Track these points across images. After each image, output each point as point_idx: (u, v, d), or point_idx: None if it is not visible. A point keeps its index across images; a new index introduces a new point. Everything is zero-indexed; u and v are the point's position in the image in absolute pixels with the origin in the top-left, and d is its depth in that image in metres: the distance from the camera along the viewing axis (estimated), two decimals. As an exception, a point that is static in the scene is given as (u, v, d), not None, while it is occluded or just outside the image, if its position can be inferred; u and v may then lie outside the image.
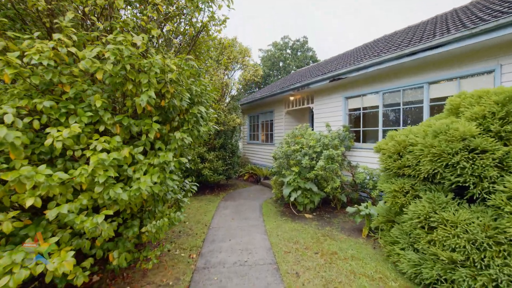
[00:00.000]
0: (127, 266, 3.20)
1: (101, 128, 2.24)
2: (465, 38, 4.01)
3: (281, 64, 28.32)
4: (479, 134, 2.70)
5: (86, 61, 2.00)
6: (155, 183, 2.42)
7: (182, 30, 3.69)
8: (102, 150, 2.14)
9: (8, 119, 1.72)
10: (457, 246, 2.48)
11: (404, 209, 3.13)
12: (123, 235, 2.66)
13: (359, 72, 5.81)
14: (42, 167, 1.81)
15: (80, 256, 2.76)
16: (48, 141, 1.86)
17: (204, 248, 3.89)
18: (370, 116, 6.56)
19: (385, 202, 3.49)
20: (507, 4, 4.43)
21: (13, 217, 2.44)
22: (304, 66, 25.32)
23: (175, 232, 4.53)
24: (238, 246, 3.93)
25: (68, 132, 1.92)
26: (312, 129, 6.94)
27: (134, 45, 2.32)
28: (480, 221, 2.44)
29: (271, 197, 7.11)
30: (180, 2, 3.35)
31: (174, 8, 3.26)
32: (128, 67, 2.16)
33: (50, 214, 1.83)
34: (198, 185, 4.27)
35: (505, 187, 2.38)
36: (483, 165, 2.52)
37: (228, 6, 3.57)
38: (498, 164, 2.51)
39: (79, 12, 2.64)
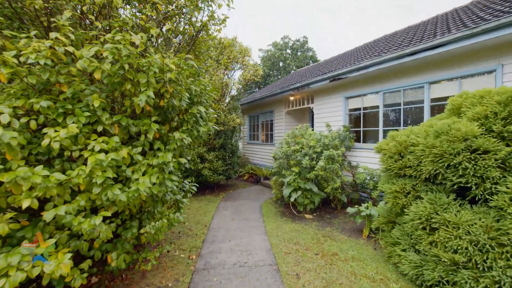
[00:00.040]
0: (126, 268, 3.18)
1: (99, 129, 2.21)
2: (467, 37, 3.98)
3: (281, 64, 28.31)
4: (481, 134, 2.67)
5: (84, 60, 1.97)
6: (154, 184, 2.39)
7: (181, 29, 3.66)
8: (100, 151, 2.11)
9: (5, 119, 1.69)
10: (459, 247, 2.45)
11: (405, 210, 3.10)
12: (122, 236, 2.63)
13: (359, 72, 5.78)
14: (39, 168, 1.78)
15: (78, 257, 2.73)
16: (45, 142, 1.83)
17: (204, 249, 3.86)
18: (370, 116, 6.54)
19: (386, 202, 3.46)
20: (508, 3, 4.41)
21: (11, 218, 2.43)
22: (304, 66, 25.30)
23: (175, 233, 4.51)
24: (238, 247, 3.90)
25: (66, 132, 1.89)
26: (312, 129, 6.92)
27: (132, 44, 2.29)
28: (483, 222, 2.42)
29: (271, 197, 7.08)
30: (180, 1, 3.32)
31: (174, 7, 3.23)
32: (126, 66, 2.13)
33: (47, 215, 1.80)
34: (197, 185, 4.25)
35: (507, 188, 2.36)
36: (486, 166, 2.49)
37: (228, 5, 3.54)
38: (501, 165, 2.49)
39: (78, 11, 2.61)
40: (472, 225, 2.46)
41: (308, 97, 8.31)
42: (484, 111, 2.74)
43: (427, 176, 2.95)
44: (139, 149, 2.39)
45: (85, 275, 2.12)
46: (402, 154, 3.37)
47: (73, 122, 2.06)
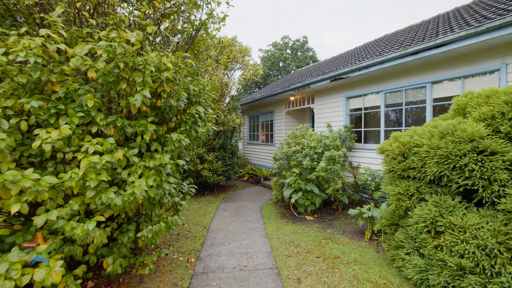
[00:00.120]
0: (123, 272, 3.10)
1: (94, 130, 2.13)
2: (471, 36, 3.91)
3: (281, 64, 28.25)
4: (488, 135, 2.60)
5: (76, 59, 1.90)
6: (151, 186, 2.31)
7: (180, 28, 3.59)
8: (95, 153, 2.03)
9: (-7, 120, 1.62)
10: (465, 252, 2.37)
11: (409, 213, 3.03)
12: (118, 240, 2.56)
13: (360, 71, 5.71)
14: (29, 171, 1.70)
15: (72, 262, 2.65)
16: (35, 143, 1.75)
17: (203, 252, 3.78)
18: (371, 117, 6.46)
19: (389, 204, 3.38)
20: (513, 2, 4.33)
21: (4, 220, 2.34)
22: (304, 66, 25.24)
23: (173, 235, 4.43)
24: (237, 250, 3.82)
25: (58, 133, 1.81)
26: (313, 130, 6.84)
27: (128, 42, 2.21)
28: (490, 226, 2.34)
29: (271, 198, 7.00)
30: (178, -1, 3.25)
31: (171, 4, 3.15)
32: (121, 65, 2.06)
33: (38, 220, 1.72)
34: (196, 187, 4.17)
35: (516, 190, 2.28)
36: (493, 168, 2.42)
37: (227, 3, 3.47)
38: (509, 167, 2.41)
39: (73, 8, 2.53)
40: (479, 228, 2.39)
41: (308, 97, 8.24)
42: (491, 111, 2.67)
43: (432, 178, 2.88)
44: (136, 150, 2.32)
45: (79, 281, 2.04)
46: (405, 155, 3.30)
47: (66, 123, 1.98)
